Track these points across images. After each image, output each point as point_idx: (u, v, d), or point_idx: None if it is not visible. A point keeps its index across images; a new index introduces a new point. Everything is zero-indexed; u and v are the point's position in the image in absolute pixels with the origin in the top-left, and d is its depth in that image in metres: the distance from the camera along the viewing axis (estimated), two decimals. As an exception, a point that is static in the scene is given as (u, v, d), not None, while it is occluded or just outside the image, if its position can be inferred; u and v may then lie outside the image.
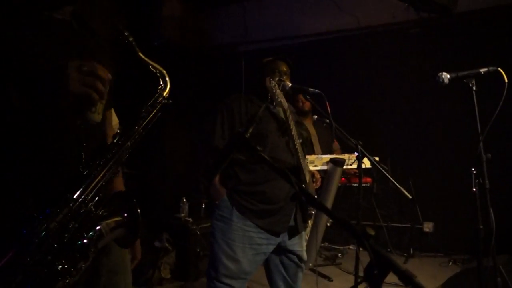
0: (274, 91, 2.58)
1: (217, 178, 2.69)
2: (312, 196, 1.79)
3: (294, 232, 2.73)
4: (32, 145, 1.30)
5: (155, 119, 1.51)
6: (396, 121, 4.74)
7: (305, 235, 3.10)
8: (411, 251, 4.47)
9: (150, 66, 1.53)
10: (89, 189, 1.30)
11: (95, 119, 1.31)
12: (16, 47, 1.24)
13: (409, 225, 4.43)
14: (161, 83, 1.55)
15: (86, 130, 1.37)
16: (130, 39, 1.49)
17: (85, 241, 1.29)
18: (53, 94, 1.22)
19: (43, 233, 1.22)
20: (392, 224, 4.34)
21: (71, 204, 1.26)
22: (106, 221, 1.37)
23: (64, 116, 1.31)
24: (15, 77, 1.23)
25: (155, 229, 3.94)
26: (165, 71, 1.56)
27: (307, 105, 4.29)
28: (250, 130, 1.55)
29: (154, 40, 5.42)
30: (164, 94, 1.53)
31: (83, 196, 1.28)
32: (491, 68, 2.17)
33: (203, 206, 4.28)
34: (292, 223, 2.72)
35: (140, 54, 1.51)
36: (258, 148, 1.52)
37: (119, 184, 1.64)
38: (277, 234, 2.69)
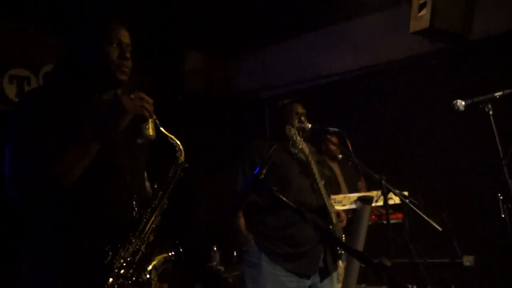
0: (294, 138, 2.66)
1: (243, 225, 2.72)
2: (331, 234, 1.77)
3: (325, 273, 2.71)
4: (98, 196, 1.62)
5: (180, 177, 1.81)
6: (422, 153, 4.66)
7: (339, 275, 3.05)
8: (452, 288, 4.26)
9: (169, 138, 1.81)
10: (145, 230, 1.63)
11: (151, 135, 1.62)
12: (78, 119, 1.61)
13: (447, 260, 4.25)
14: (177, 150, 1.81)
15: (135, 186, 1.71)
16: (154, 117, 1.75)
17: (147, 276, 1.61)
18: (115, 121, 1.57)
19: (121, 261, 1.54)
20: (429, 260, 4.16)
21: (133, 240, 1.59)
22: (158, 257, 1.66)
23: (119, 174, 1.67)
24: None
25: (188, 279, 3.93)
26: (178, 142, 1.82)
27: (337, 150, 4.25)
28: (264, 171, 1.58)
29: (179, 93, 5.60)
30: (181, 159, 1.81)
31: (142, 236, 1.62)
32: (506, 92, 2.15)
33: (235, 254, 4.26)
34: (321, 264, 2.70)
35: (161, 129, 1.78)
36: (273, 188, 1.55)
37: None
38: (307, 276, 2.67)
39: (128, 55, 1.73)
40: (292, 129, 2.69)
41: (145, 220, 1.64)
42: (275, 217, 2.67)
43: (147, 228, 1.64)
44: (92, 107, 1.69)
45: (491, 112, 2.17)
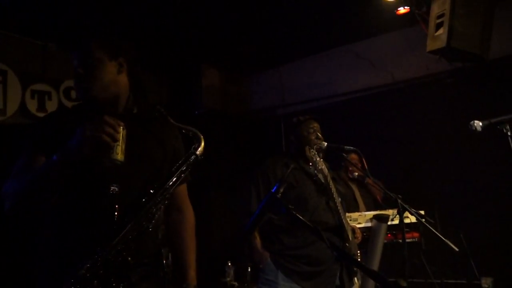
0: (314, 159, 2.69)
1: (259, 243, 2.73)
2: (347, 253, 1.76)
3: (341, 290, 2.70)
4: (75, 208, 1.64)
5: (186, 175, 1.73)
6: (439, 172, 4.62)
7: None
8: (470, 310, 4.18)
9: (183, 130, 1.75)
10: (115, 241, 1.54)
11: (117, 159, 1.57)
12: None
13: (465, 281, 4.17)
14: (195, 142, 1.73)
15: (124, 196, 1.64)
16: (161, 110, 1.74)
17: None
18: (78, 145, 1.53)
19: (83, 272, 1.48)
20: (446, 281, 4.10)
21: (95, 256, 1.50)
22: (136, 270, 1.58)
23: (102, 185, 1.63)
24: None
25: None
26: (197, 131, 1.75)
27: (355, 170, 4.25)
28: (281, 190, 1.59)
29: (195, 109, 5.66)
30: (197, 152, 1.72)
31: (110, 247, 1.52)
32: (524, 113, 2.14)
33: (249, 269, 4.25)
34: (337, 282, 2.69)
35: (171, 121, 1.75)
36: (290, 206, 1.56)
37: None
38: (323, 295, 2.66)
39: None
40: (312, 150, 2.72)
41: (125, 230, 1.56)
42: (292, 236, 2.68)
43: (126, 238, 1.56)
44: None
45: (509, 133, 2.16)
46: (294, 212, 1.54)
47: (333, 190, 2.78)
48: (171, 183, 1.67)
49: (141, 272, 1.62)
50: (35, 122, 1.83)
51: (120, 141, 1.56)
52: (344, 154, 3.05)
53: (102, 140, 1.52)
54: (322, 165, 2.74)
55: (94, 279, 1.49)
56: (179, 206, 1.97)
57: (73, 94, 4.54)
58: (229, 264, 4.20)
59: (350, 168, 4.30)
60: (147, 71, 5.28)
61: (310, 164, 2.78)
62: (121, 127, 1.57)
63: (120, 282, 1.54)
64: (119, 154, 1.57)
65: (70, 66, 1.77)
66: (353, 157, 4.16)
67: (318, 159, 2.72)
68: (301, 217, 1.55)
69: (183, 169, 1.70)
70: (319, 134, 2.88)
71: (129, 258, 1.56)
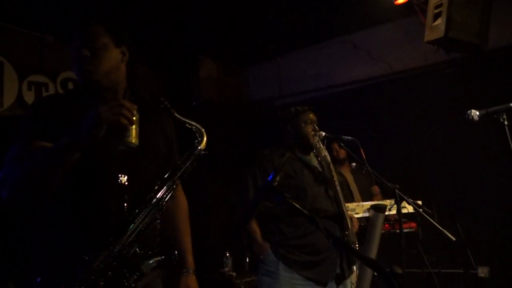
0: (318, 146, 2.70)
1: (259, 235, 2.74)
2: (344, 242, 1.77)
3: (341, 278, 2.73)
4: (83, 200, 1.59)
5: (190, 169, 1.73)
6: (436, 162, 4.63)
7: (352, 284, 3.04)
8: (467, 299, 4.20)
9: (187, 124, 1.76)
10: (136, 232, 1.55)
11: (132, 142, 1.55)
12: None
13: (462, 271, 4.20)
14: (198, 137, 1.76)
15: (132, 187, 1.63)
16: (166, 103, 1.74)
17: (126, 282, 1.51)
18: (92, 128, 1.47)
19: (101, 265, 1.47)
20: (443, 271, 4.13)
21: (111, 247, 1.50)
22: (148, 261, 1.58)
23: (110, 175, 1.61)
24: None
25: (199, 284, 3.94)
26: (200, 126, 1.77)
27: (342, 153, 4.30)
28: (278, 179, 1.59)
29: (193, 100, 5.65)
30: (200, 147, 1.75)
31: (124, 239, 1.53)
32: (521, 102, 2.14)
33: (247, 260, 4.27)
34: (338, 270, 2.72)
35: (176, 114, 1.74)
36: (286, 195, 1.56)
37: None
38: (324, 284, 2.68)
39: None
40: (316, 137, 2.74)
41: (138, 221, 1.57)
42: (293, 226, 2.69)
43: (138, 230, 1.56)
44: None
45: (506, 122, 2.16)
46: (290, 200, 1.54)
47: (335, 178, 2.80)
48: (178, 176, 1.69)
49: (153, 263, 1.62)
50: (29, 107, 1.73)
51: (135, 125, 1.54)
52: (341, 144, 3.07)
53: (120, 123, 1.48)
54: (325, 152, 2.76)
55: (108, 271, 1.49)
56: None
57: (70, 85, 4.53)
58: (227, 254, 4.23)
59: (335, 153, 4.32)
60: (145, 63, 5.26)
61: (314, 151, 2.80)
62: (135, 111, 1.54)
63: (133, 273, 1.54)
64: (134, 137, 1.55)
65: (67, 58, 1.74)
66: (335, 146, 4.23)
67: (321, 146, 2.75)
68: (297, 205, 1.55)
69: (188, 163, 1.72)
70: (316, 126, 2.89)
71: (137, 249, 1.56)
